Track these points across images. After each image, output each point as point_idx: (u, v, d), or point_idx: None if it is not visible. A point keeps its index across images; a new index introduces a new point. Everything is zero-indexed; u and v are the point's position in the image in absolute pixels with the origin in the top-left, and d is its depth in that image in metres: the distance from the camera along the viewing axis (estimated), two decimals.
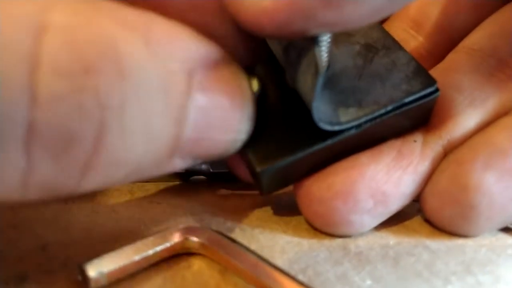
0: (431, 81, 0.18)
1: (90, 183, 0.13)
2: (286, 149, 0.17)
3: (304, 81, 0.17)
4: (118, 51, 0.12)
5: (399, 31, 0.23)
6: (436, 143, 0.19)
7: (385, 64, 0.19)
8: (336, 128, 0.17)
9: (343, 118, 0.17)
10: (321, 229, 0.19)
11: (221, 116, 0.15)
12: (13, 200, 0.12)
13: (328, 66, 0.19)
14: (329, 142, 0.17)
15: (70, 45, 0.12)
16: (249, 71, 0.20)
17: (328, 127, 0.17)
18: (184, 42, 0.14)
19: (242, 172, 0.19)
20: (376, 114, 0.18)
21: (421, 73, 0.18)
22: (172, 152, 0.15)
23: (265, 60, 0.19)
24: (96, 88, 0.12)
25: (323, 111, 0.18)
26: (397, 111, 0.18)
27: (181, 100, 0.14)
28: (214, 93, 0.15)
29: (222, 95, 0.15)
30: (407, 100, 0.18)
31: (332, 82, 0.18)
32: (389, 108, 0.18)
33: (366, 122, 0.18)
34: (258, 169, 0.17)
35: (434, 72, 0.19)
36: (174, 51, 0.14)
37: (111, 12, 0.13)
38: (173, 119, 0.14)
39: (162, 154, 0.14)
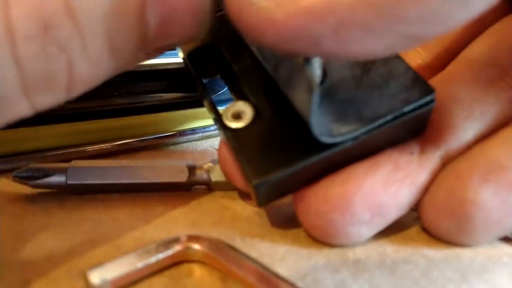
0: (429, 90, 0.18)
1: (78, 91, 0.16)
2: (281, 162, 0.17)
3: (299, 98, 0.17)
4: (68, 1, 0.14)
5: None
6: (433, 154, 0.19)
7: (382, 74, 0.19)
8: (338, 139, 0.17)
9: (343, 129, 0.17)
10: (319, 239, 0.19)
11: (181, 10, 0.16)
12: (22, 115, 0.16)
13: (325, 78, 0.19)
14: (325, 154, 0.17)
15: (30, 12, 0.14)
16: (242, 96, 0.20)
17: (328, 140, 0.17)
18: None
19: (241, 182, 0.19)
20: (376, 124, 0.17)
21: (419, 82, 0.18)
22: (142, 48, 0.17)
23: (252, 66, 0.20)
24: (57, 38, 0.15)
25: (323, 123, 0.17)
26: (397, 121, 0.18)
27: (139, 12, 0.16)
28: None
29: None
30: (406, 109, 0.18)
31: (330, 92, 0.18)
32: (389, 118, 0.18)
33: (365, 132, 0.17)
34: (254, 182, 0.17)
35: (432, 83, 0.19)
36: None
37: None
38: (134, 29, 0.16)
39: (133, 54, 0.17)
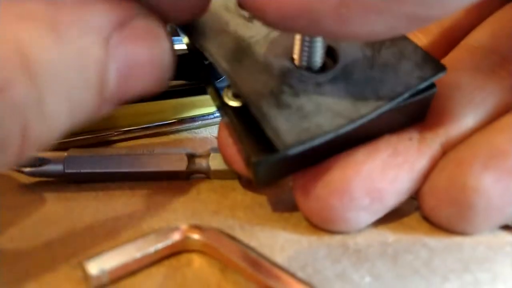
0: (441, 67, 0.18)
1: (31, 151, 0.15)
2: None
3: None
4: (25, 56, 0.13)
5: None
6: (433, 141, 0.19)
7: (393, 54, 0.19)
8: (358, 123, 0.17)
9: (363, 110, 0.17)
10: (318, 225, 0.19)
11: (141, 66, 0.16)
12: None
13: (337, 60, 0.19)
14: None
15: None
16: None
17: (342, 130, 0.17)
18: (94, 13, 0.15)
19: (240, 165, 0.19)
20: (395, 102, 0.18)
21: (430, 59, 0.19)
22: (100, 104, 0.16)
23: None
24: (12, 99, 0.13)
25: (343, 108, 0.17)
26: (413, 100, 0.18)
27: (99, 68, 0.15)
28: (131, 47, 0.16)
29: (139, 47, 0.16)
30: (422, 86, 0.18)
31: (346, 74, 0.18)
32: (406, 95, 0.18)
33: (384, 112, 0.17)
34: (253, 159, 0.17)
35: None
36: (84, 26, 0.15)
37: (11, 8, 0.14)
38: (94, 85, 0.15)
39: (90, 110, 0.16)
